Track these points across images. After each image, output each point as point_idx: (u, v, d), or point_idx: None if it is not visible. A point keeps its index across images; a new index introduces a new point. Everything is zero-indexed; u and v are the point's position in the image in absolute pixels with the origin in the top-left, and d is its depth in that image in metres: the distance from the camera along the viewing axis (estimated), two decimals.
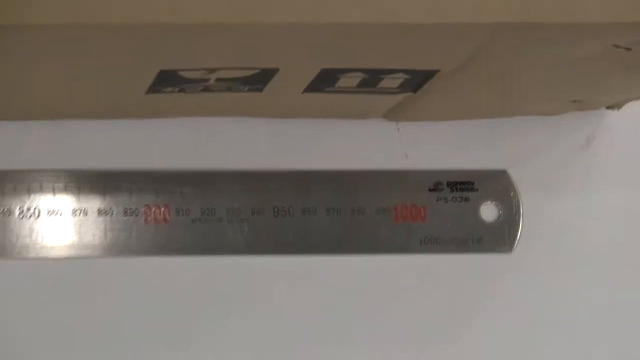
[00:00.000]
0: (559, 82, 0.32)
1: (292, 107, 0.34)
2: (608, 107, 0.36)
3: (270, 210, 0.35)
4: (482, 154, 0.36)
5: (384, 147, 0.36)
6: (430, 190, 0.35)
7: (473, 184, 0.35)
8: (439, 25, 0.26)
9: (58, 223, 0.35)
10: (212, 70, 0.30)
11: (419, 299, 0.36)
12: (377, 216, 0.35)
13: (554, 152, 0.36)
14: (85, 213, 0.35)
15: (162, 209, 0.35)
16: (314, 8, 0.25)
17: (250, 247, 0.35)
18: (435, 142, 0.36)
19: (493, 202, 0.35)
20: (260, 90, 0.31)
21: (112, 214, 0.34)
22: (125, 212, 0.34)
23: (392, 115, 0.35)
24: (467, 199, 0.35)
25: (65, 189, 0.35)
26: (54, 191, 0.35)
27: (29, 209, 0.35)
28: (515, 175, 0.35)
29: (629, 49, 0.28)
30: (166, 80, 0.31)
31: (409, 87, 0.31)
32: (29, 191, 0.36)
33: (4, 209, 0.34)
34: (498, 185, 0.35)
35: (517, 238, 0.35)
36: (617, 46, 0.28)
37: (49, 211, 0.35)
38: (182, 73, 0.30)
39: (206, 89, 0.32)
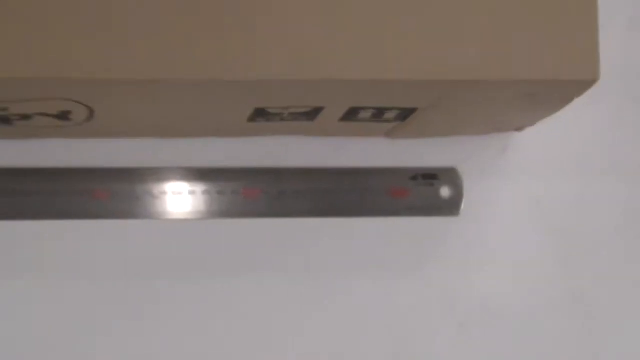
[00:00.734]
0: (488, 115, 0.44)
1: (330, 130, 0.46)
2: (516, 130, 0.48)
3: (318, 189, 0.47)
4: (442, 158, 0.48)
5: (384, 152, 0.48)
6: (410, 179, 0.47)
7: (436, 176, 0.47)
8: (414, 81, 0.37)
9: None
10: (287, 108, 0.42)
11: (402, 241, 0.47)
12: (382, 194, 0.47)
13: (484, 156, 0.48)
14: (194, 193, 0.46)
15: (242, 189, 0.46)
16: (347, 68, 0.36)
17: (310, 212, 0.47)
18: (415, 151, 0.48)
19: (447, 186, 0.47)
20: (312, 120, 0.43)
21: (210, 193, 0.45)
22: (219, 192, 0.45)
23: (390, 134, 0.47)
24: (432, 185, 0.47)
25: (182, 178, 0.46)
26: (176, 179, 0.46)
27: (161, 192, 0.46)
28: (460, 169, 0.48)
29: (532, 95, 0.41)
30: (260, 114, 0.42)
31: (400, 117, 0.43)
32: (161, 179, 0.46)
33: (147, 191, 0.45)
34: (450, 176, 0.48)
35: (461, 207, 0.48)
36: (527, 94, 0.40)
37: (173, 192, 0.46)
38: (269, 109, 0.42)
39: (282, 119, 0.43)
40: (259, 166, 0.46)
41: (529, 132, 0.48)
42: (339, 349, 0.47)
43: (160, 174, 0.46)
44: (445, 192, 0.47)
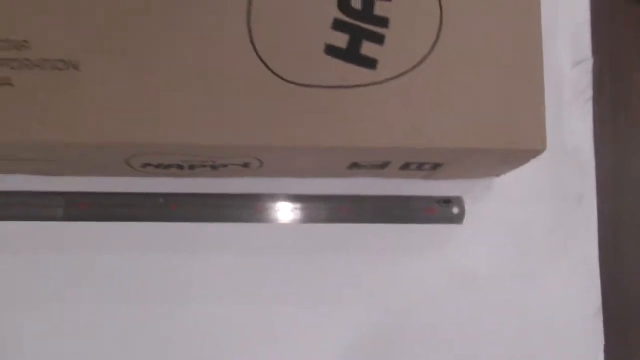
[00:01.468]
0: (479, 167, 0.51)
1: (391, 174, 0.53)
2: (495, 175, 0.56)
3: (384, 206, 0.55)
4: (453, 190, 0.56)
5: (421, 187, 0.56)
6: (436, 202, 0.56)
7: (450, 201, 0.56)
8: (440, 148, 0.45)
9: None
10: (371, 162, 0.49)
11: (431, 236, 0.56)
12: (420, 211, 0.56)
13: (477, 190, 0.57)
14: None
15: (336, 207, 0.54)
16: (409, 140, 0.43)
17: (379, 220, 0.54)
18: (439, 186, 0.56)
19: (456, 207, 0.56)
20: (383, 168, 0.51)
21: (318, 209, 0.54)
22: (323, 209, 0.54)
23: (425, 176, 0.54)
24: (448, 206, 0.56)
25: (296, 200, 0.55)
26: (291, 200, 0.55)
27: (290, 208, 0.55)
28: (464, 197, 0.57)
29: (504, 158, 0.47)
30: (354, 165, 0.49)
31: (432, 168, 0.51)
32: (284, 200, 0.55)
33: (282, 207, 0.55)
34: (458, 201, 0.56)
35: (464, 219, 0.56)
36: (500, 157, 0.47)
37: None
38: (360, 163, 0.48)
39: (366, 168, 0.51)
40: (349, 194, 0.56)
41: (503, 177, 0.57)
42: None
43: (278, 197, 0.55)
44: (455, 210, 0.56)
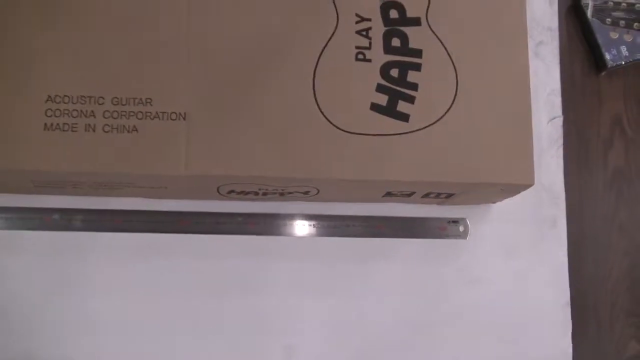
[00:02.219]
0: (481, 196, 0.61)
1: (415, 201, 0.63)
2: (492, 202, 0.66)
3: (405, 226, 0.63)
4: (461, 214, 0.66)
5: (437, 210, 0.65)
6: (447, 222, 0.66)
7: (458, 221, 0.66)
8: (454, 182, 0.53)
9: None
10: (402, 191, 0.58)
11: (443, 248, 0.64)
12: (435, 228, 0.64)
13: (478, 213, 0.66)
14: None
15: (376, 224, 0.63)
16: (434, 175, 0.51)
17: (399, 235, 0.64)
18: (450, 210, 0.65)
19: (462, 226, 0.66)
20: (409, 196, 0.59)
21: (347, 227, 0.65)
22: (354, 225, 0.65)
23: (440, 203, 0.64)
24: (456, 225, 0.66)
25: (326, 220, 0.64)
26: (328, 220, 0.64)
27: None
28: (468, 219, 0.67)
29: (501, 190, 0.55)
30: (388, 194, 0.59)
31: (447, 196, 0.60)
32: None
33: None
34: (464, 221, 0.66)
35: (468, 234, 0.66)
36: (498, 189, 0.55)
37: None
38: (393, 192, 0.59)
39: (396, 196, 0.60)
40: (383, 215, 0.66)
41: (499, 203, 0.66)
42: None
43: (333, 219, 0.64)
44: (461, 228, 0.66)
